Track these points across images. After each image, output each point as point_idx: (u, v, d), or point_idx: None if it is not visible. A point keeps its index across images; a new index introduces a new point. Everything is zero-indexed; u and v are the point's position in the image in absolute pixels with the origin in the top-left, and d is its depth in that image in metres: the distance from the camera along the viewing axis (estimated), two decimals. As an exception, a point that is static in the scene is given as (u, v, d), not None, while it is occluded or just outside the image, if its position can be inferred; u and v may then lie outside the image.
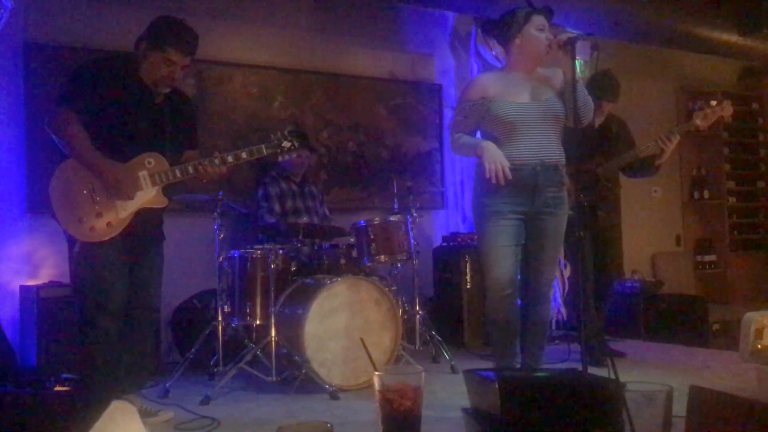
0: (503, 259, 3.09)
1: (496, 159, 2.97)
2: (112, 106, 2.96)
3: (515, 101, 3.08)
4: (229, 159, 3.10)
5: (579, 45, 3.00)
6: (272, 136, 3.25)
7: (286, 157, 3.30)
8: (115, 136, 2.97)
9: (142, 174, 2.99)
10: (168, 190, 3.08)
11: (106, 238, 2.91)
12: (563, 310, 5.40)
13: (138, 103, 3.02)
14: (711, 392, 1.13)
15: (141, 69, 3.02)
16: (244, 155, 3.13)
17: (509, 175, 2.96)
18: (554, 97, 3.12)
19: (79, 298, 2.99)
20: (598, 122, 4.24)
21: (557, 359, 4.31)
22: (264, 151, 3.18)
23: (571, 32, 3.07)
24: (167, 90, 3.08)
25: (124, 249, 2.99)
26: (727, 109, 3.81)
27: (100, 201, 2.92)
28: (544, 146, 3.07)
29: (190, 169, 3.03)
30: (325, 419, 2.09)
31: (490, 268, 3.12)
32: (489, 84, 3.14)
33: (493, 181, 2.96)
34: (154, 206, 3.05)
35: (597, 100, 4.21)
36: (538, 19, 3.12)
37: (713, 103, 3.86)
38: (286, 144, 3.22)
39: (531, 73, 3.17)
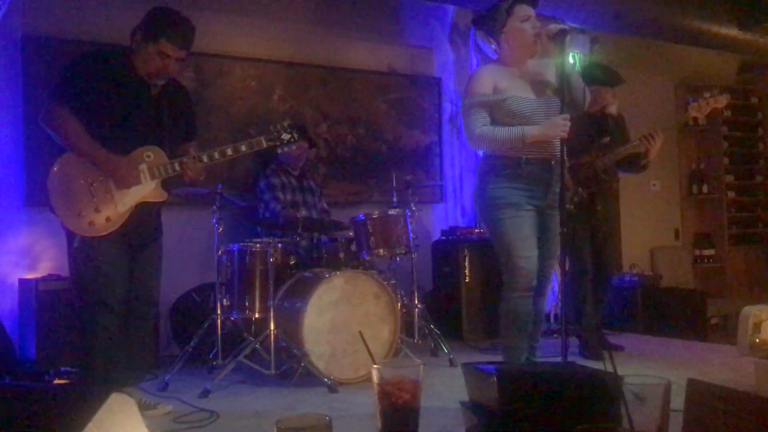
0: (530, 250, 3.03)
1: (559, 125, 2.92)
2: (107, 99, 2.91)
3: (526, 96, 3.06)
4: (229, 152, 3.06)
5: (572, 37, 2.98)
6: (271, 128, 3.20)
7: (285, 149, 3.26)
8: (112, 129, 2.93)
9: (141, 167, 2.96)
10: (167, 182, 3.06)
11: (105, 233, 2.89)
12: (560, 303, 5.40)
13: (134, 95, 2.97)
14: (709, 386, 1.14)
15: (136, 61, 2.96)
16: (243, 148, 3.09)
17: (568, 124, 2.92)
18: (553, 94, 3.11)
19: (77, 293, 2.97)
20: (614, 109, 4.28)
21: (555, 353, 4.31)
22: (264, 143, 3.13)
23: (562, 23, 3.03)
24: (163, 82, 3.03)
25: (123, 243, 2.97)
26: (722, 100, 3.81)
27: (98, 195, 2.89)
28: (553, 143, 3.05)
29: (177, 167, 2.99)
30: (324, 412, 2.10)
31: (517, 260, 3.02)
32: (496, 77, 3.09)
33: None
34: (154, 200, 3.02)
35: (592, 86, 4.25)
36: (521, 10, 3.07)
37: (706, 94, 3.87)
38: (285, 136, 3.17)
39: (523, 67, 3.14)
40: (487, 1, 5.22)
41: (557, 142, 3.04)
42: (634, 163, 4.18)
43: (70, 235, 2.92)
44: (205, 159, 3.03)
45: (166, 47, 2.91)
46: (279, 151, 3.25)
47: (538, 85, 3.11)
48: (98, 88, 2.91)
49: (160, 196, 3.03)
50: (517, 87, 3.08)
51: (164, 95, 3.08)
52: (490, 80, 3.08)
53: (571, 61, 5.74)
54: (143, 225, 3.04)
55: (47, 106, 2.92)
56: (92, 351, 2.91)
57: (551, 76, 3.13)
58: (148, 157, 2.98)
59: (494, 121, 3.08)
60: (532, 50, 3.10)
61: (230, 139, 4.50)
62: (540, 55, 3.18)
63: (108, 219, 2.90)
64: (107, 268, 2.91)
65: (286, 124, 3.21)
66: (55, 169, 2.92)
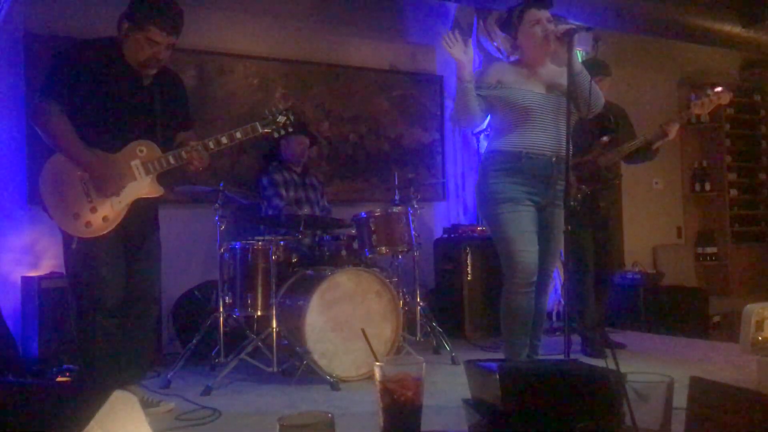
0: (529, 244, 3.03)
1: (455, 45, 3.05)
2: (97, 92, 2.83)
3: (531, 89, 3.10)
4: (224, 140, 2.99)
5: (577, 36, 3.01)
6: (266, 111, 3.13)
7: (282, 132, 3.19)
8: (104, 123, 2.85)
9: (135, 163, 2.89)
10: (163, 177, 3.00)
11: (103, 233, 2.83)
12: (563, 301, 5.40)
13: (125, 86, 2.88)
14: (711, 383, 1.13)
15: (125, 50, 2.86)
16: (238, 135, 3.01)
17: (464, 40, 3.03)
18: (563, 94, 3.12)
19: (75, 295, 2.91)
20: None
21: (558, 351, 4.31)
22: (259, 128, 3.06)
23: (570, 24, 3.07)
24: (154, 71, 2.94)
25: (121, 242, 2.92)
26: (725, 97, 3.79)
27: (93, 195, 2.82)
28: (558, 138, 3.07)
29: (184, 155, 2.92)
30: (326, 410, 2.10)
31: (516, 255, 3.02)
32: (504, 71, 3.16)
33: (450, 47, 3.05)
34: (150, 196, 2.96)
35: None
36: (530, 14, 3.14)
37: (709, 92, 3.85)
38: (281, 118, 3.09)
39: (541, 68, 3.19)
40: (487, 0, 5.23)
41: (561, 139, 3.05)
42: (645, 150, 4.14)
43: (67, 237, 2.86)
44: (211, 145, 2.98)
45: (155, 34, 2.80)
46: (276, 135, 3.19)
47: (550, 85, 3.16)
48: (87, 80, 2.81)
49: (156, 191, 2.96)
50: (524, 83, 3.13)
51: (157, 84, 2.99)
52: (495, 74, 3.16)
53: (578, 59, 5.74)
54: (140, 222, 2.98)
55: (34, 103, 2.84)
56: (91, 354, 2.87)
57: (566, 81, 3.16)
58: (141, 151, 2.91)
59: (496, 114, 3.15)
60: (544, 51, 3.15)
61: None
62: (551, 57, 3.21)
63: (105, 218, 2.84)
64: (105, 270, 2.85)
65: (281, 106, 3.16)
66: (46, 170, 2.84)
